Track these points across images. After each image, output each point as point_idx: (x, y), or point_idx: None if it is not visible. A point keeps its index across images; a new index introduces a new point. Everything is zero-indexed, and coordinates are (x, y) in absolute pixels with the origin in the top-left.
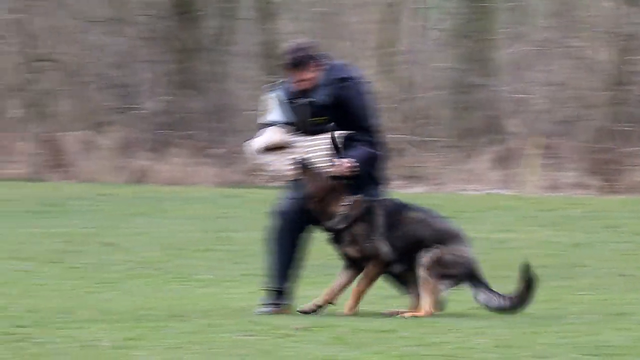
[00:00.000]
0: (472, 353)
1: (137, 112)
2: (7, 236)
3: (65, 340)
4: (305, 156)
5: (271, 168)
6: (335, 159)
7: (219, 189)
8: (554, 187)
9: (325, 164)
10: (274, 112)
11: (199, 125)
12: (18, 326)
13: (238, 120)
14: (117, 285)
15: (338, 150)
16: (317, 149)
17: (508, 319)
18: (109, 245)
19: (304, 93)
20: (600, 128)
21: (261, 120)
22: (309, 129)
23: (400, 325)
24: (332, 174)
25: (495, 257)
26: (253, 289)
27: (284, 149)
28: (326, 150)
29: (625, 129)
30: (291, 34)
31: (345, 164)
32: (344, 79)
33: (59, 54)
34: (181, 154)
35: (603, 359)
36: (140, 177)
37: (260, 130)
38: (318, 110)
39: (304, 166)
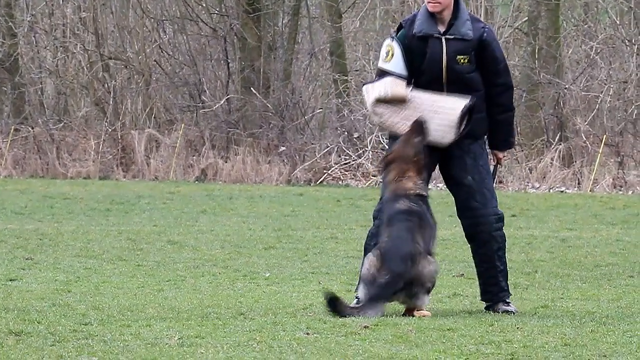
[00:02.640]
0: (537, 352)
1: (205, 110)
2: (75, 234)
3: (131, 338)
4: (431, 117)
5: (385, 118)
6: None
7: (286, 187)
8: (622, 185)
9: (443, 135)
10: (395, 61)
11: (266, 123)
12: (84, 324)
13: (305, 119)
14: (183, 283)
15: (467, 123)
16: (444, 115)
17: (575, 318)
18: (176, 243)
19: (439, 27)
20: None
21: (380, 65)
22: (444, 71)
23: (465, 324)
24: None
25: (560, 255)
26: (319, 287)
27: (401, 103)
28: (452, 122)
29: None
30: (358, 32)
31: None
32: (483, 23)
33: (128, 53)
34: (248, 152)
35: None
36: (207, 175)
37: (380, 77)
38: (461, 47)
39: (418, 128)
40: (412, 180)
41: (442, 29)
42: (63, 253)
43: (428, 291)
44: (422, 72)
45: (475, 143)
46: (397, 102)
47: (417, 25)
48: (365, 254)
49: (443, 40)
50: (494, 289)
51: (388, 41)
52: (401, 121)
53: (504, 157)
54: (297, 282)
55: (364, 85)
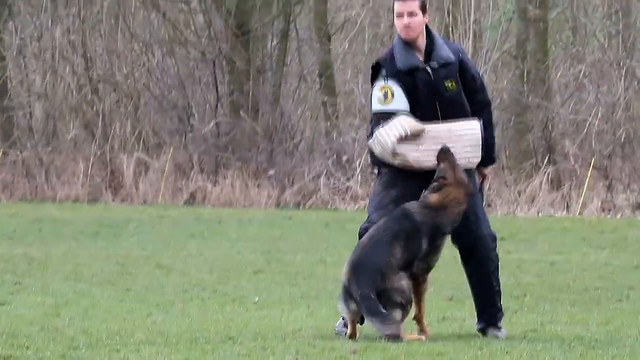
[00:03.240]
0: None
1: (194, 133)
2: (64, 258)
3: None
4: (451, 145)
5: (408, 157)
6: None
7: (275, 210)
8: (611, 209)
9: (472, 157)
10: (397, 99)
11: (255, 146)
12: (72, 348)
13: (294, 142)
14: (172, 307)
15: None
16: (465, 138)
17: (564, 342)
18: (164, 267)
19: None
20: None
21: (380, 109)
22: (435, 102)
23: (454, 348)
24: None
25: (549, 278)
26: (309, 312)
27: (418, 137)
28: (476, 142)
29: None
30: (347, 55)
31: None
32: (455, 43)
33: (116, 76)
34: (237, 176)
35: None
36: (196, 199)
37: (386, 121)
38: (446, 72)
39: (449, 154)
40: (451, 207)
41: (420, 57)
42: (52, 277)
43: (400, 305)
44: (414, 105)
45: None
46: (413, 138)
47: (398, 60)
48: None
49: (429, 69)
50: (492, 309)
51: (382, 83)
52: (422, 155)
53: (488, 173)
54: (286, 306)
55: (372, 134)
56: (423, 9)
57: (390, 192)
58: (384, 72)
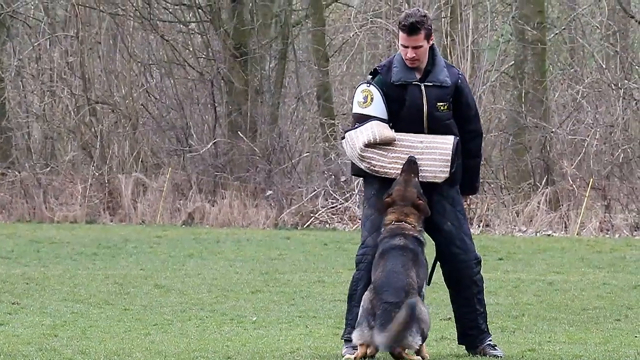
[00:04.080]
0: None
1: (192, 154)
2: (62, 278)
3: None
4: (420, 157)
5: (374, 163)
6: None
7: (273, 230)
8: (609, 229)
9: (439, 172)
10: (375, 105)
11: (253, 167)
12: None
13: (292, 163)
14: (170, 327)
15: (455, 160)
16: (436, 152)
17: None
18: (163, 287)
19: (414, 75)
20: None
21: (358, 111)
22: (424, 118)
23: None
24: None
25: (547, 298)
26: (307, 331)
27: (389, 146)
28: (446, 157)
29: None
30: (345, 76)
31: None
32: (457, 69)
33: (115, 97)
34: (235, 196)
35: None
36: (194, 219)
37: (361, 123)
38: (440, 94)
39: (412, 167)
40: (411, 225)
41: (418, 75)
42: (50, 297)
43: (421, 333)
44: (401, 119)
45: (452, 188)
46: (384, 145)
47: (394, 73)
48: (349, 301)
49: (422, 87)
50: (473, 332)
51: (364, 86)
52: (390, 164)
53: (466, 201)
54: (284, 325)
55: (345, 132)
56: (428, 37)
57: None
58: (375, 78)
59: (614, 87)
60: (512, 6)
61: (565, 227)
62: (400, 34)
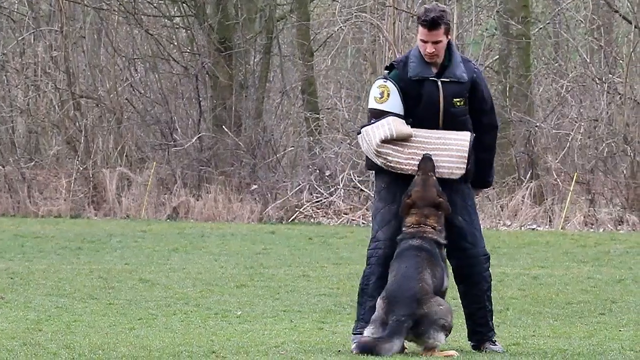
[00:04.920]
0: None
1: (176, 148)
2: (47, 273)
3: None
4: (436, 153)
5: (390, 158)
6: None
7: (258, 225)
8: (593, 223)
9: (455, 169)
10: (392, 101)
11: (238, 161)
12: None
13: (277, 157)
14: (155, 322)
15: (470, 157)
16: (453, 148)
17: (547, 355)
18: (147, 281)
19: (431, 70)
20: (639, 164)
21: (375, 106)
22: (440, 114)
23: None
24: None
25: (532, 292)
26: (291, 325)
27: (405, 142)
28: (463, 153)
29: None
30: (329, 71)
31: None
32: (473, 63)
33: (99, 92)
34: (220, 190)
35: None
36: (179, 214)
37: (377, 119)
38: (457, 90)
39: (428, 165)
40: (431, 227)
41: (435, 70)
42: (34, 292)
43: (443, 328)
44: (416, 114)
45: (463, 183)
46: (400, 141)
47: (411, 68)
48: (361, 295)
49: (439, 83)
50: (483, 329)
51: (381, 82)
52: (407, 160)
53: (478, 195)
54: (269, 320)
55: (361, 128)
56: (447, 32)
57: (391, 208)
58: (392, 73)
59: (598, 82)
60: (497, 0)
61: (550, 221)
62: (420, 29)
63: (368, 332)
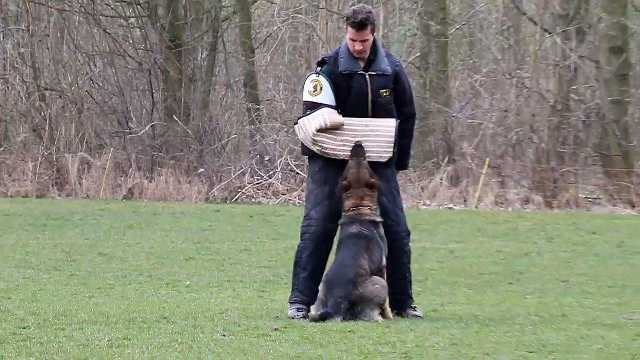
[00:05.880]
0: (428, 351)
1: (132, 135)
2: (15, 247)
3: (65, 340)
4: (364, 140)
5: (325, 145)
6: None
7: (204, 204)
8: (503, 203)
9: (383, 152)
10: (325, 93)
11: (186, 147)
12: (22, 327)
13: (221, 143)
14: (112, 291)
15: (397, 141)
16: (380, 134)
17: (462, 320)
18: (105, 255)
19: (359, 64)
20: (543, 150)
21: (309, 99)
22: (369, 104)
23: (364, 326)
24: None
25: (449, 264)
26: (234, 294)
27: (338, 130)
28: (389, 139)
29: (564, 151)
30: (269, 66)
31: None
32: (395, 57)
33: (62, 84)
34: (171, 173)
35: (545, 356)
36: (134, 194)
37: (312, 110)
38: (383, 82)
39: (360, 151)
40: (368, 207)
41: (362, 65)
42: (3, 264)
43: (379, 305)
44: (347, 105)
45: (388, 167)
46: (333, 129)
47: (341, 63)
48: (295, 267)
49: (367, 76)
50: (403, 297)
51: (314, 76)
52: (340, 146)
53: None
54: (214, 289)
55: (298, 119)
56: (373, 31)
57: (323, 189)
58: (323, 68)
59: (508, 77)
60: (418, 3)
61: (465, 201)
62: (349, 28)
63: (313, 310)
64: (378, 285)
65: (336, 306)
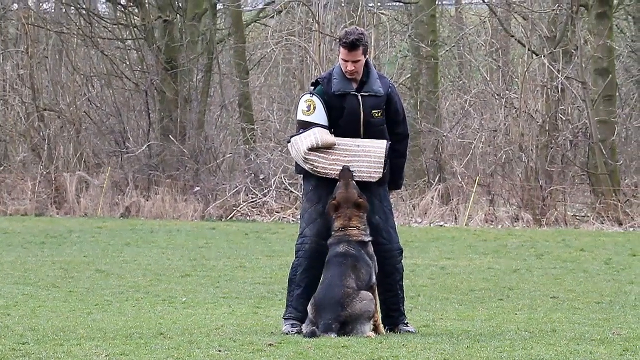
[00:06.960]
0: None
1: (129, 155)
2: (14, 264)
3: (64, 356)
4: (354, 160)
5: (316, 164)
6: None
7: (200, 222)
8: (493, 220)
9: (374, 172)
10: (317, 113)
11: (182, 166)
12: (21, 343)
13: (217, 163)
14: (110, 307)
15: (387, 162)
16: (371, 154)
17: (453, 335)
18: (103, 272)
19: (351, 85)
20: (532, 169)
21: (302, 118)
22: (361, 124)
23: (357, 342)
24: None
25: (440, 281)
26: (230, 310)
27: (329, 149)
28: (380, 159)
29: (552, 170)
30: (263, 87)
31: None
32: (387, 79)
33: (60, 105)
34: (167, 192)
35: None
36: (131, 212)
37: (304, 129)
38: (375, 102)
39: (346, 174)
40: (356, 227)
41: (355, 86)
42: (3, 281)
43: (368, 319)
44: (340, 125)
45: (380, 186)
46: (325, 148)
47: (334, 84)
48: (289, 284)
49: (359, 97)
50: (395, 314)
51: (307, 96)
52: (331, 165)
53: (393, 196)
54: (210, 305)
55: (291, 137)
56: (365, 52)
57: (317, 207)
58: (317, 88)
59: (496, 97)
60: (409, 26)
61: (455, 219)
62: (341, 49)
63: (305, 329)
64: (366, 301)
65: (327, 327)
